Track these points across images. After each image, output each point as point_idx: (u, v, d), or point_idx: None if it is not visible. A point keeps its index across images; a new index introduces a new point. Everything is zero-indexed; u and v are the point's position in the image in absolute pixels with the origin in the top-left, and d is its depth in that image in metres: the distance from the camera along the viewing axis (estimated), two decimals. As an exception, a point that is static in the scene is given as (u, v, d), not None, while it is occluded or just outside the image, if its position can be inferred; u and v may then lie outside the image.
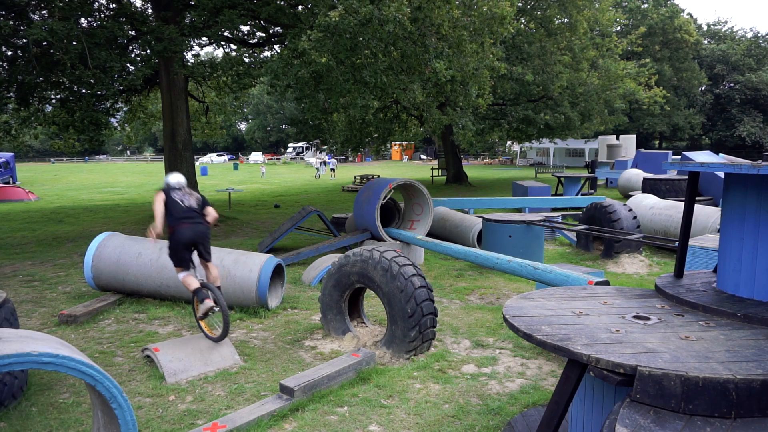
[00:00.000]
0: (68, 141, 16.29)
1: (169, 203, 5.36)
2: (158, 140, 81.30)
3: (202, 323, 5.45)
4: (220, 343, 5.27)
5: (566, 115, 24.38)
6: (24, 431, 3.89)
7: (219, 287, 5.51)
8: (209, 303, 5.20)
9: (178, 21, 12.67)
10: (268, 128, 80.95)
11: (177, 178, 5.62)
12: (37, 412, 4.16)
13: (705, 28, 55.40)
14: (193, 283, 5.31)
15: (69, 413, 4.15)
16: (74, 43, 10.69)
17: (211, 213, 5.55)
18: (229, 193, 19.91)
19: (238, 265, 6.66)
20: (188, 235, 5.32)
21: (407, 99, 11.92)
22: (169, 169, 14.37)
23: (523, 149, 56.56)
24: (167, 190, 5.45)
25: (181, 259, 5.37)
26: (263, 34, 15.96)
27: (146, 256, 6.95)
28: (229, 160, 70.28)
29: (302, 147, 67.70)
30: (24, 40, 10.69)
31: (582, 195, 19.06)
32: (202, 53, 53.26)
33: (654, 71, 34.75)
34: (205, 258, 5.54)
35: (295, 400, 4.18)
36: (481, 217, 10.25)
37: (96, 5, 13.10)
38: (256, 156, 68.39)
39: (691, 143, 54.06)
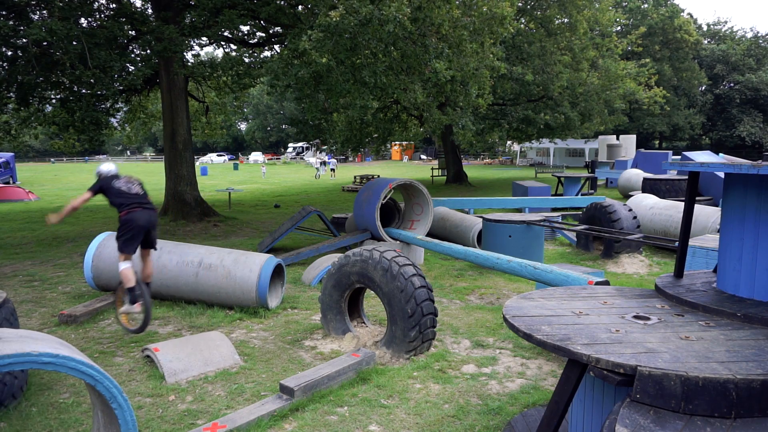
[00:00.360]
0: (68, 141, 16.31)
1: (116, 195, 5.44)
2: (158, 140, 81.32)
3: (121, 316, 5.59)
4: (220, 343, 5.27)
5: (566, 115, 24.38)
6: (24, 431, 3.90)
7: (149, 284, 5.69)
8: (137, 308, 5.35)
9: (178, 21, 12.67)
10: (268, 128, 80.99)
11: (109, 167, 5.70)
12: (37, 412, 4.16)
13: (705, 28, 55.41)
14: (132, 280, 5.36)
15: (69, 413, 4.15)
16: (74, 43, 10.69)
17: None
18: (229, 193, 19.91)
19: (238, 265, 6.66)
20: (145, 218, 5.43)
21: (408, 99, 11.93)
22: (169, 169, 14.38)
23: (523, 149, 56.58)
24: (104, 184, 5.50)
25: (131, 244, 5.41)
26: (263, 34, 15.97)
27: (146, 256, 6.95)
28: (229, 160, 70.31)
29: (302, 147, 67.70)
30: (24, 40, 10.69)
31: (582, 195, 19.06)
32: (202, 53, 53.29)
33: (654, 71, 34.74)
34: (152, 245, 5.66)
35: (295, 400, 4.18)
36: (481, 217, 10.25)
37: (96, 5, 13.10)
38: (256, 156, 68.42)
39: (691, 143, 54.07)
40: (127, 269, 5.36)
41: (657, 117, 45.17)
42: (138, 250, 5.66)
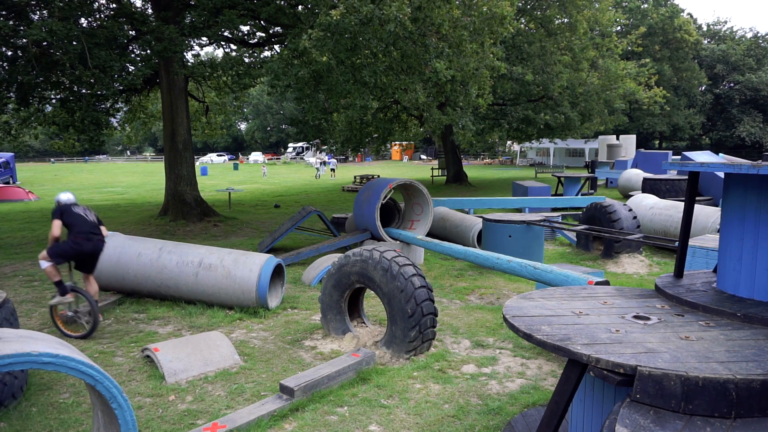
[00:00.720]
0: (68, 141, 16.31)
1: (73, 218, 5.96)
2: (158, 140, 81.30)
3: (57, 320, 5.92)
4: (220, 343, 5.27)
5: (566, 115, 24.38)
6: (24, 431, 3.90)
7: (96, 301, 6.09)
8: (69, 297, 5.84)
9: (178, 21, 12.67)
10: (268, 128, 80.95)
11: (68, 196, 6.22)
12: (37, 412, 4.17)
13: (705, 28, 55.40)
14: (56, 275, 5.78)
15: (69, 413, 4.15)
16: (74, 43, 10.69)
17: (104, 231, 6.32)
18: (229, 193, 19.91)
19: (238, 265, 6.66)
20: (90, 249, 6.02)
21: (409, 99, 11.92)
22: (169, 169, 14.38)
23: (523, 149, 56.59)
24: (64, 208, 6.00)
25: (61, 259, 5.88)
26: (263, 34, 15.96)
27: (146, 256, 6.95)
28: (229, 160, 70.29)
29: (302, 147, 67.68)
30: (24, 40, 10.69)
31: (582, 195, 19.06)
32: (202, 53, 53.24)
33: (654, 71, 34.73)
34: (90, 271, 6.25)
35: (295, 400, 4.18)
36: (481, 217, 10.25)
37: (96, 5, 13.10)
38: (256, 156, 68.40)
39: (691, 143, 54.06)
40: (50, 266, 5.80)
41: (657, 117, 45.16)
42: (82, 275, 6.29)
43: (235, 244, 11.41)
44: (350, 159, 63.31)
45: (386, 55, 11.32)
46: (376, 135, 25.88)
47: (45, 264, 5.79)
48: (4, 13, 11.06)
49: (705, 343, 2.53)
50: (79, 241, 5.90)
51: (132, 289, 7.08)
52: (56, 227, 5.88)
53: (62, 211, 5.98)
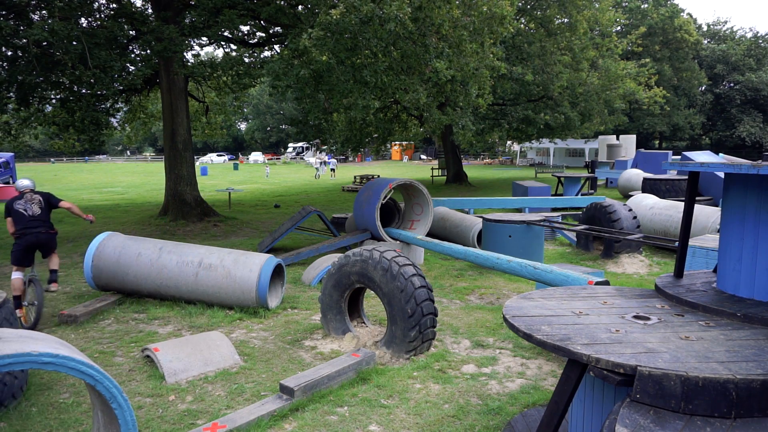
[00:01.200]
0: (68, 141, 16.30)
1: (14, 215, 6.22)
2: (158, 140, 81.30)
3: (21, 314, 6.22)
4: (220, 343, 5.27)
5: (566, 115, 24.38)
6: (24, 431, 3.90)
7: (55, 270, 6.57)
8: (19, 313, 6.08)
9: (178, 21, 12.67)
10: (268, 128, 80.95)
11: (23, 183, 6.50)
12: (37, 412, 4.17)
13: (705, 28, 55.41)
14: (17, 290, 6.17)
15: (69, 413, 4.15)
16: (74, 43, 10.70)
17: (64, 204, 6.52)
18: (229, 193, 19.91)
19: (238, 265, 6.66)
20: (31, 241, 6.26)
21: (410, 100, 11.93)
22: (169, 169, 14.39)
23: (523, 149, 56.59)
24: (10, 205, 6.24)
25: (21, 260, 6.26)
26: (263, 34, 15.97)
27: (146, 256, 6.95)
28: (229, 160, 70.29)
29: (302, 147, 67.69)
30: (24, 40, 10.69)
31: (582, 195, 19.06)
32: (202, 53, 53.22)
33: (654, 71, 34.73)
34: (47, 256, 6.57)
35: (295, 400, 4.18)
36: (481, 217, 10.25)
37: (96, 5, 13.10)
38: (256, 156, 68.42)
39: (691, 143, 54.07)
40: (16, 279, 6.19)
41: (657, 117, 45.18)
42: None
43: (235, 244, 11.41)
44: (350, 159, 63.32)
45: (386, 55, 11.32)
46: (376, 135, 25.90)
47: (14, 276, 6.19)
48: (4, 13, 11.07)
49: (705, 343, 2.53)
50: (20, 240, 6.21)
51: (132, 289, 7.07)
52: (9, 225, 6.26)
53: (8, 209, 6.28)
